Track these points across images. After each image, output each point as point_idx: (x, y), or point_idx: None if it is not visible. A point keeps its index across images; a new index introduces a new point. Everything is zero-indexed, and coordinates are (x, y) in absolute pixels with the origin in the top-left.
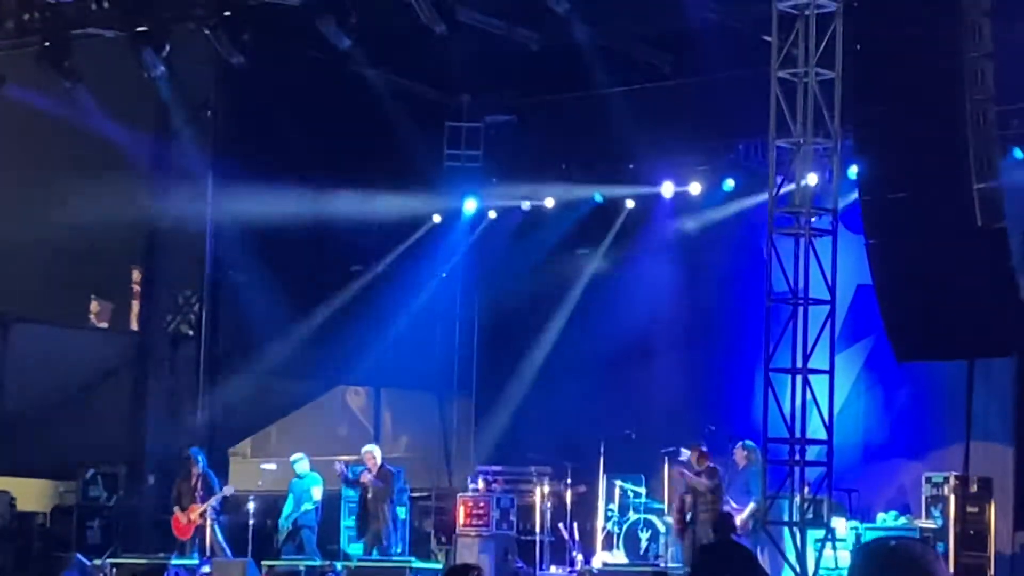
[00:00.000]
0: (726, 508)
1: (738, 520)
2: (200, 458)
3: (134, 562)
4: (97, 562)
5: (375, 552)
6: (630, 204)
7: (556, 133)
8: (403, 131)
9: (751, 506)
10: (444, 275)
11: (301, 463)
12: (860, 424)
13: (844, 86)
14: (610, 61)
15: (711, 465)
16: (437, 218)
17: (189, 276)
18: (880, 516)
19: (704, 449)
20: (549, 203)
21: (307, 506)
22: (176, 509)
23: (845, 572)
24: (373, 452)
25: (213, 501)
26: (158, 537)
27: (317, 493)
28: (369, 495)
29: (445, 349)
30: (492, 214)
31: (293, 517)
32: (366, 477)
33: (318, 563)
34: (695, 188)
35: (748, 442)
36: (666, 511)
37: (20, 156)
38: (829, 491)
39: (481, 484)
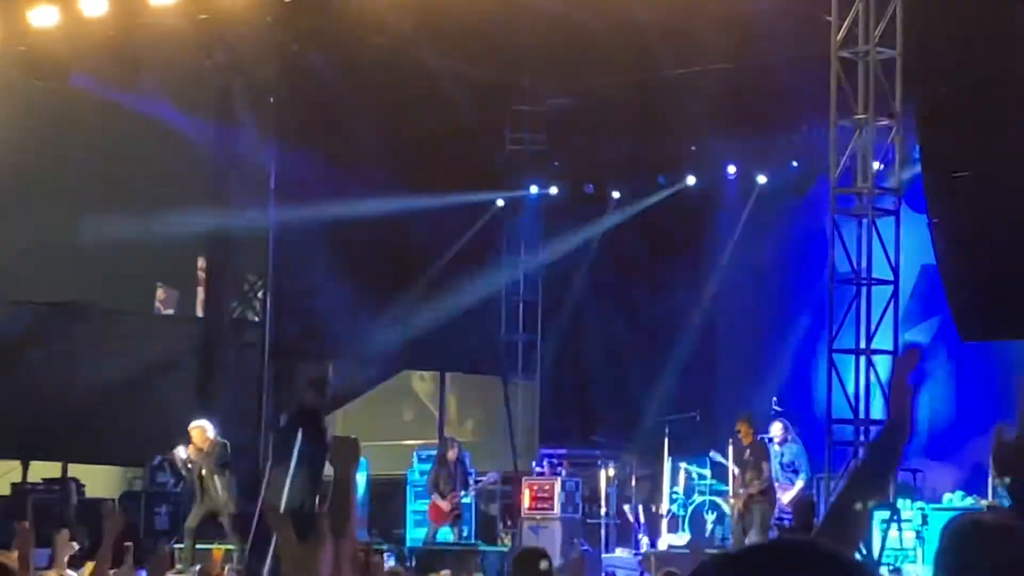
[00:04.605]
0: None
1: (786, 498)
2: (456, 443)
3: (201, 547)
4: (167, 548)
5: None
6: (691, 180)
7: (619, 115)
8: (465, 115)
9: (799, 484)
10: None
11: None
12: (926, 404)
13: (905, 64)
14: (672, 43)
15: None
16: (500, 202)
17: (254, 262)
18: (946, 496)
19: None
20: (612, 186)
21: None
22: (435, 496)
23: (933, 554)
24: (202, 427)
25: (476, 487)
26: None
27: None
28: (203, 472)
29: (510, 333)
30: (553, 189)
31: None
32: (191, 452)
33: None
34: (758, 169)
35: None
36: (730, 493)
37: (85, 145)
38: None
39: (546, 467)
